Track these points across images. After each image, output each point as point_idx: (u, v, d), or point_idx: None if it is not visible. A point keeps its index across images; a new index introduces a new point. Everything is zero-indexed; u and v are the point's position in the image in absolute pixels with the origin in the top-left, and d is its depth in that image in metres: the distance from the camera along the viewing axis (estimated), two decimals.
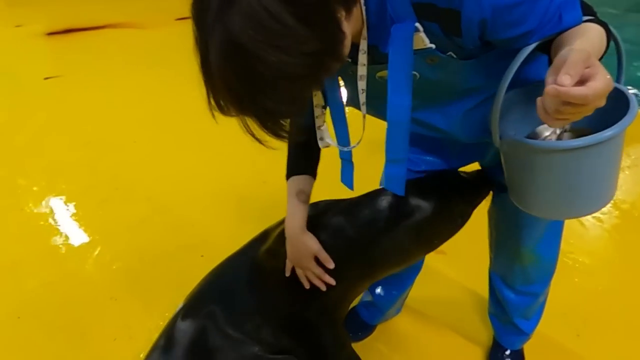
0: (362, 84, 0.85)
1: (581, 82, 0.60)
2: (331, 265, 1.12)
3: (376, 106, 0.89)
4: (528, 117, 0.85)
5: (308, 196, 1.13)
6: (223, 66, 0.65)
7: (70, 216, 2.09)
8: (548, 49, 0.76)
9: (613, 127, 0.73)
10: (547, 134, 0.87)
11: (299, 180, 1.11)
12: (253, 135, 0.72)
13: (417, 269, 1.44)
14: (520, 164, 0.85)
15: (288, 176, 1.13)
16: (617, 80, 0.85)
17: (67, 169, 2.42)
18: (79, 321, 1.61)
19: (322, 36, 0.66)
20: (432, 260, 1.81)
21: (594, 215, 2.07)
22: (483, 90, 0.90)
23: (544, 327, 1.52)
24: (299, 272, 1.15)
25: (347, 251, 1.16)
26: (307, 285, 1.15)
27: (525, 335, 1.39)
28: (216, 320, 1.26)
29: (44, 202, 2.18)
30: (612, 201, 2.10)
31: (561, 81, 0.59)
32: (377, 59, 0.82)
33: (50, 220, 2.07)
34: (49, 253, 1.89)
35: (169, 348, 1.26)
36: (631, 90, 0.91)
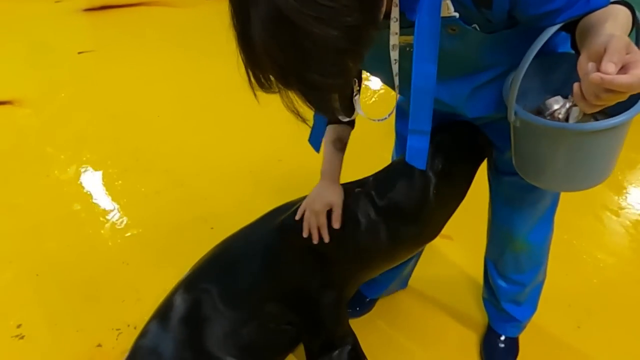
0: (394, 54, 0.83)
1: (622, 69, 0.61)
2: (337, 225, 1.13)
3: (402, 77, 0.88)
4: (537, 89, 0.86)
5: (344, 144, 1.15)
6: (268, 40, 0.64)
7: (92, 184, 2.18)
8: (570, 28, 0.76)
9: (626, 112, 0.75)
10: (556, 107, 0.86)
11: (337, 128, 1.13)
12: (296, 112, 0.73)
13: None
14: (531, 139, 0.86)
15: (327, 124, 1.13)
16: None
17: (92, 140, 2.51)
18: (92, 282, 1.70)
19: (362, 6, 0.65)
20: (438, 244, 1.82)
21: (610, 209, 2.02)
22: (495, 67, 0.89)
23: (544, 316, 1.52)
24: (306, 215, 1.16)
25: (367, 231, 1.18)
26: (305, 233, 1.16)
27: (516, 321, 1.39)
28: (214, 293, 1.31)
29: (68, 170, 2.28)
30: (630, 196, 2.06)
31: (605, 69, 0.60)
32: (402, 25, 0.81)
33: (73, 187, 2.17)
34: (69, 217, 1.99)
35: (167, 316, 1.32)
36: None
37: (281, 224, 1.26)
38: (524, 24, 0.79)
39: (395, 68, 0.85)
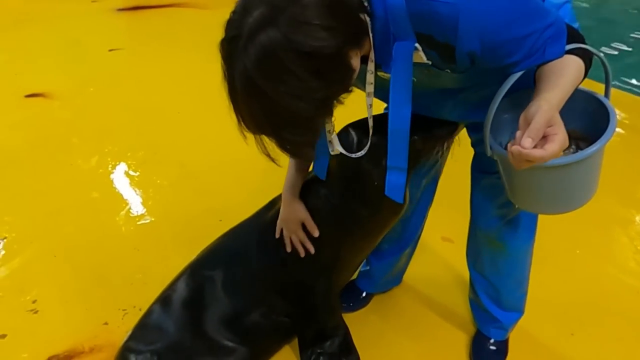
0: (369, 100, 0.92)
1: (543, 137, 0.74)
2: (316, 233, 1.21)
3: (380, 96, 0.96)
4: (514, 123, 0.90)
5: (307, 169, 1.23)
6: (246, 98, 0.75)
7: (111, 174, 2.29)
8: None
9: (592, 145, 0.81)
10: None
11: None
12: (268, 155, 0.84)
13: (409, 240, 1.48)
14: (510, 170, 0.91)
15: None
16: (605, 93, 0.92)
17: (115, 132, 2.63)
18: (104, 264, 1.79)
19: (333, 82, 0.75)
20: (438, 246, 1.85)
21: (616, 221, 2.01)
22: (472, 89, 0.96)
23: (539, 321, 1.54)
24: (285, 234, 1.24)
25: (332, 216, 1.23)
26: (289, 248, 1.24)
27: (500, 323, 1.40)
28: (216, 281, 1.38)
29: (90, 160, 2.40)
30: (636, 208, 2.04)
31: (524, 144, 0.72)
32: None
33: (93, 176, 2.28)
34: (87, 204, 2.10)
35: (171, 299, 1.40)
36: None
37: (272, 218, 1.33)
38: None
39: (370, 111, 0.94)
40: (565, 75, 0.79)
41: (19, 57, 3.67)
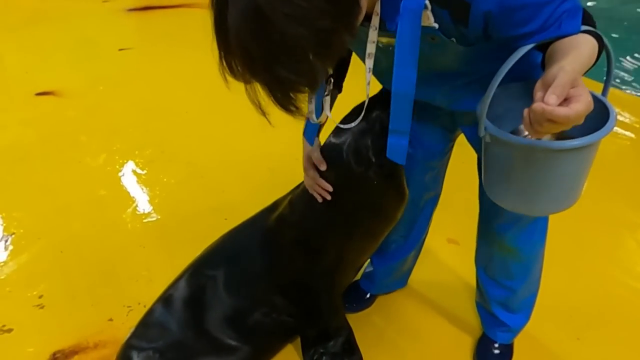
0: (369, 62, 0.88)
1: (566, 99, 0.66)
2: (323, 167, 1.15)
3: (379, 72, 0.93)
4: (512, 113, 0.88)
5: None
6: (242, 28, 0.68)
7: (118, 172, 2.31)
8: (543, 48, 0.79)
9: (591, 135, 0.77)
10: (526, 133, 0.90)
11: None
12: (258, 105, 0.76)
13: (414, 242, 1.47)
14: (499, 156, 0.88)
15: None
16: (605, 88, 0.88)
17: (123, 131, 2.65)
18: (110, 261, 1.80)
19: (338, 12, 0.69)
20: (444, 248, 1.84)
21: (625, 225, 1.99)
22: (472, 74, 0.94)
23: (544, 325, 1.53)
24: (306, 180, 1.21)
25: (333, 218, 1.23)
26: (311, 191, 1.20)
27: (506, 327, 1.39)
28: (218, 280, 1.38)
29: (98, 158, 2.42)
30: None
31: (548, 100, 0.65)
32: (382, 29, 0.85)
33: (101, 174, 2.30)
34: (95, 201, 2.12)
35: (174, 297, 1.40)
36: None
37: (273, 219, 1.33)
38: (498, 42, 0.83)
39: (368, 76, 0.90)
40: (582, 49, 0.74)
41: (30, 55, 3.71)
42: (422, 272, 1.69)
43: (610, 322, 1.58)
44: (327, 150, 1.17)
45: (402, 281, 1.63)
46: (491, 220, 1.23)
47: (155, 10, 4.81)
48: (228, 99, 3.11)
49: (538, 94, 0.68)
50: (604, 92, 0.88)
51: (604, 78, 0.89)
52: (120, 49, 3.81)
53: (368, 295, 1.62)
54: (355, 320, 1.53)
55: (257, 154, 2.43)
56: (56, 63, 3.55)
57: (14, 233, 1.94)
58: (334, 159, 1.16)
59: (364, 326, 1.54)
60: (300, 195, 1.29)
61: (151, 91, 3.13)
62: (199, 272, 1.43)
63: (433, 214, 1.45)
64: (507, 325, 1.38)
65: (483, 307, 1.43)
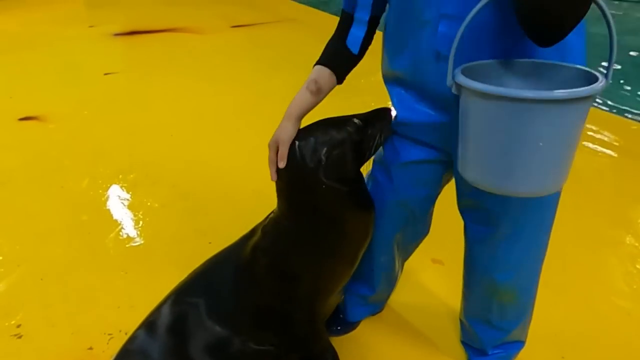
0: None
1: None
2: (282, 164, 1.12)
3: None
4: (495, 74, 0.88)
5: (320, 90, 1.13)
6: None
7: (101, 196, 2.29)
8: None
9: (566, 91, 0.73)
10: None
11: (321, 71, 1.13)
12: None
13: (387, 267, 1.45)
14: (467, 113, 0.84)
15: (315, 64, 1.15)
16: (610, 56, 0.82)
17: (107, 155, 2.64)
18: (91, 287, 1.77)
19: None
20: (428, 269, 1.84)
21: (607, 243, 2.00)
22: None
23: (529, 345, 1.51)
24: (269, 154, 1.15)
25: (298, 234, 1.23)
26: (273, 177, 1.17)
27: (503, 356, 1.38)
28: (199, 309, 1.36)
29: (81, 182, 2.40)
30: (628, 231, 2.04)
31: None
32: None
33: (84, 199, 2.28)
34: (77, 226, 2.09)
35: (156, 325, 1.38)
36: None
37: (249, 247, 1.32)
38: None
39: None
40: None
41: (15, 80, 3.71)
42: (406, 293, 1.68)
43: (595, 340, 1.58)
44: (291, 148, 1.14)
45: (380, 306, 1.62)
46: (491, 271, 1.20)
47: (141, 35, 4.85)
48: (212, 122, 3.13)
49: None
50: (610, 55, 0.83)
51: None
52: (106, 74, 3.82)
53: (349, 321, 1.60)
54: (339, 343, 1.51)
55: (241, 176, 2.43)
56: (41, 88, 3.55)
57: None
58: (290, 158, 1.14)
59: (348, 350, 1.52)
60: (270, 220, 1.29)
61: (136, 115, 3.13)
62: (181, 299, 1.41)
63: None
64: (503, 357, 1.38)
65: (472, 347, 1.42)
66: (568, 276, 1.84)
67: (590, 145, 2.75)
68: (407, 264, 1.56)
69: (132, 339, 1.37)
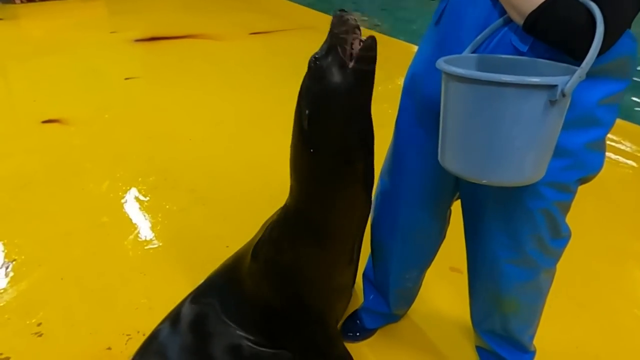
0: None
1: None
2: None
3: None
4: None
5: None
6: None
7: (121, 199, 2.32)
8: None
9: (543, 78, 0.75)
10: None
11: None
12: None
13: (403, 284, 1.45)
14: (446, 99, 0.86)
15: None
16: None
17: (127, 158, 2.67)
18: (110, 288, 1.79)
19: None
20: (446, 277, 1.82)
21: (632, 256, 1.96)
22: None
23: (551, 357, 1.49)
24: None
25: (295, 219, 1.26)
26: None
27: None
28: (217, 310, 1.38)
29: (102, 185, 2.43)
30: None
31: None
32: None
33: (104, 201, 2.30)
34: (97, 228, 2.11)
35: (177, 322, 1.40)
36: None
37: (252, 251, 1.35)
38: None
39: None
40: None
41: (38, 84, 3.78)
42: (423, 301, 1.67)
43: (618, 353, 1.55)
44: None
45: (399, 315, 1.62)
46: (502, 285, 1.17)
47: (161, 40, 4.92)
48: (230, 127, 3.15)
49: None
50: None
51: None
52: (127, 78, 3.88)
53: (368, 328, 1.59)
54: (355, 349, 1.50)
55: (259, 182, 2.44)
56: (63, 92, 3.62)
57: (14, 260, 1.93)
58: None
59: (366, 355, 1.51)
60: (274, 215, 1.34)
61: (156, 119, 3.17)
62: (200, 299, 1.43)
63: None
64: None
65: (485, 350, 1.40)
66: (591, 289, 1.80)
67: (612, 155, 2.70)
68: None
69: (154, 336, 1.40)
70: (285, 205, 1.31)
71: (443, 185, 1.18)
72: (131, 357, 1.37)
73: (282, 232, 1.28)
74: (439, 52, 0.97)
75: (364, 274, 1.57)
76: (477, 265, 1.22)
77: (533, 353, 1.37)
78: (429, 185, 1.19)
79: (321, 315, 1.34)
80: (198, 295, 1.45)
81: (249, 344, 1.36)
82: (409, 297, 1.54)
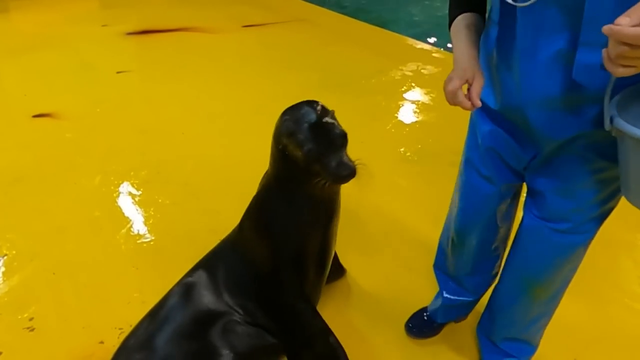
0: None
1: None
2: (477, 103, 0.94)
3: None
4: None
5: (478, 29, 1.01)
6: None
7: (114, 193, 2.31)
8: None
9: None
10: None
11: (468, 16, 1.01)
12: None
13: (486, 283, 1.43)
14: (627, 152, 0.84)
15: (453, 17, 1.02)
16: None
17: (119, 152, 2.66)
18: (103, 282, 1.79)
19: None
20: None
21: (625, 245, 1.98)
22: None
23: (542, 346, 1.50)
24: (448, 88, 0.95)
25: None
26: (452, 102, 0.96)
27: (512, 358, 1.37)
28: (204, 288, 1.43)
29: (94, 179, 2.41)
30: None
31: (619, 21, 0.60)
32: None
33: (96, 195, 2.29)
34: (89, 222, 2.10)
35: (156, 316, 1.40)
36: None
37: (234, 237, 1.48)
38: None
39: None
40: None
41: (29, 78, 3.74)
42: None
43: (608, 341, 1.56)
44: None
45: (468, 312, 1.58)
46: (537, 269, 1.20)
47: (154, 34, 4.88)
48: (224, 121, 3.14)
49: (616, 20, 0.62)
50: None
51: None
52: (119, 72, 3.85)
53: (436, 323, 1.58)
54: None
55: (253, 175, 2.41)
56: (54, 86, 3.58)
57: (6, 255, 1.92)
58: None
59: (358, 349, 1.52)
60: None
61: (148, 113, 3.15)
62: (182, 281, 1.50)
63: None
64: (513, 356, 1.37)
65: (485, 337, 1.40)
66: (582, 278, 1.80)
67: None
68: None
69: (133, 332, 1.39)
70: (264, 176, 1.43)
71: None
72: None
73: (262, 197, 1.44)
74: None
75: (435, 266, 1.53)
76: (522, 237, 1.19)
77: (535, 347, 1.38)
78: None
79: (297, 286, 1.38)
80: (186, 277, 1.51)
81: (236, 319, 1.38)
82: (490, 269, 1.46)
